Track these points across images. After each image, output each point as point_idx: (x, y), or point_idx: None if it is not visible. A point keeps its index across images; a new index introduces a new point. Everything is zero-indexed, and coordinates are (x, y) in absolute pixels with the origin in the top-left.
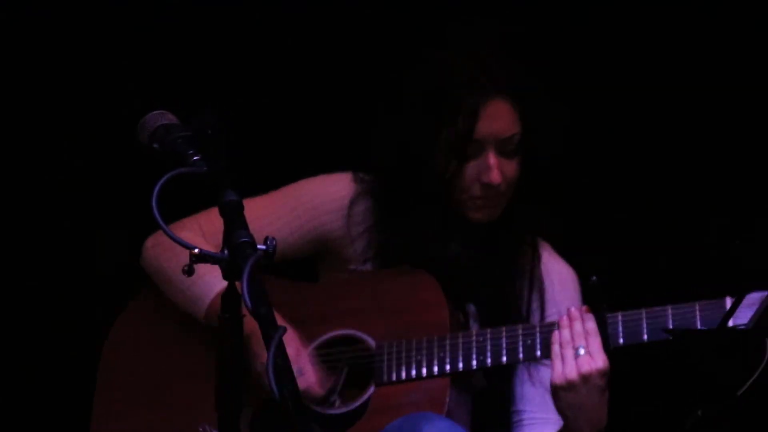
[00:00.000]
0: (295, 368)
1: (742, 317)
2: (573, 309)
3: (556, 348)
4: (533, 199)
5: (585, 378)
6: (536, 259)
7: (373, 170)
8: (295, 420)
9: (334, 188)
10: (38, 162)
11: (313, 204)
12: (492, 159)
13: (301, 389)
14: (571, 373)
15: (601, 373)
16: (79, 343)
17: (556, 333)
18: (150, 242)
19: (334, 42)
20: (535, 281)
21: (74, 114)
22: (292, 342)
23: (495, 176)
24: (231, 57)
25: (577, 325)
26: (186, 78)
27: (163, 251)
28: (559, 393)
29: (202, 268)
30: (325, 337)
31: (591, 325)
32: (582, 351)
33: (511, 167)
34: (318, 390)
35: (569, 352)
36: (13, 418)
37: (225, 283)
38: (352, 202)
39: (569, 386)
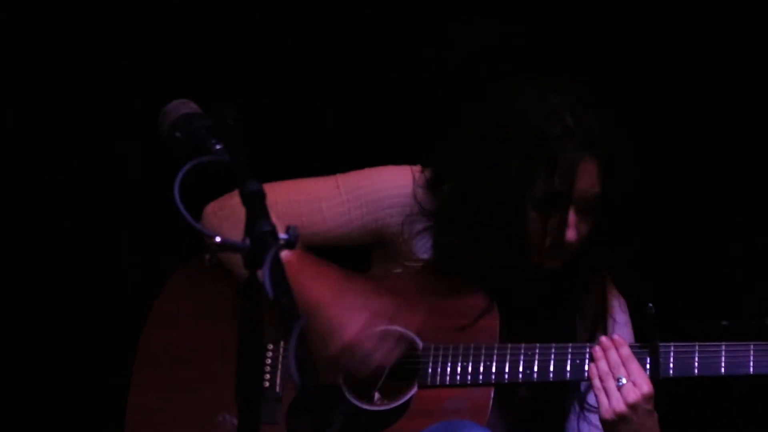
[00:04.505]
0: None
1: None
2: (604, 338)
3: (597, 382)
4: (604, 246)
5: (633, 407)
6: (605, 300)
7: (442, 189)
8: (313, 412)
9: (396, 183)
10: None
11: (375, 197)
12: (572, 217)
13: (375, 364)
14: (619, 405)
15: (648, 398)
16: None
17: (593, 367)
18: (210, 208)
19: (334, 41)
20: (599, 320)
21: (74, 113)
22: (360, 320)
23: (571, 235)
24: (230, 57)
25: (612, 354)
26: (185, 78)
27: (226, 217)
28: (610, 427)
29: None
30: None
31: (625, 351)
32: (624, 380)
33: (586, 224)
34: (387, 362)
35: (611, 384)
36: (52, 400)
37: None
38: (412, 201)
39: (620, 418)
